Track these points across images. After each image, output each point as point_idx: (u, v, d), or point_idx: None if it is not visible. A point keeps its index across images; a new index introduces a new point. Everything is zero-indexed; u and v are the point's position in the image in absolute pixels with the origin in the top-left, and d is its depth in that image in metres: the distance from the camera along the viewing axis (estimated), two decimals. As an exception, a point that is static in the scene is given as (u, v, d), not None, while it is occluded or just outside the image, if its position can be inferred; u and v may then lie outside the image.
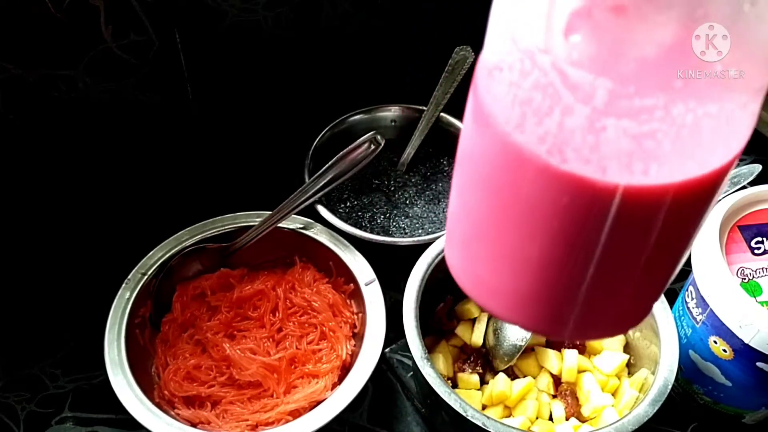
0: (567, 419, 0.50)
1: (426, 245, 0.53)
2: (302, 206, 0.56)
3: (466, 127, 0.25)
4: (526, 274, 0.25)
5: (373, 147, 0.57)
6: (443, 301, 0.55)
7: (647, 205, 0.22)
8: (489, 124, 0.23)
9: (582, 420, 0.50)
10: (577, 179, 0.21)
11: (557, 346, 0.53)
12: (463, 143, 0.26)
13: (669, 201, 0.22)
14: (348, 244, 0.57)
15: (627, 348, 0.53)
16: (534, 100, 0.21)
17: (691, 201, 0.23)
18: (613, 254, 0.23)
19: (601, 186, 0.21)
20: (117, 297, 0.53)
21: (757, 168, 0.50)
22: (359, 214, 0.64)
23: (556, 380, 0.52)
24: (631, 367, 0.52)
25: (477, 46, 0.68)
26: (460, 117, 0.68)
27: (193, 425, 0.48)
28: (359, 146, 0.57)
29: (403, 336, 0.47)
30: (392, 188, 0.66)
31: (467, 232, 0.27)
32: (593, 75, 0.20)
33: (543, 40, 0.21)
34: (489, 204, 0.25)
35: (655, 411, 0.44)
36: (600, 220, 0.22)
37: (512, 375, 0.52)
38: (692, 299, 0.49)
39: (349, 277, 0.56)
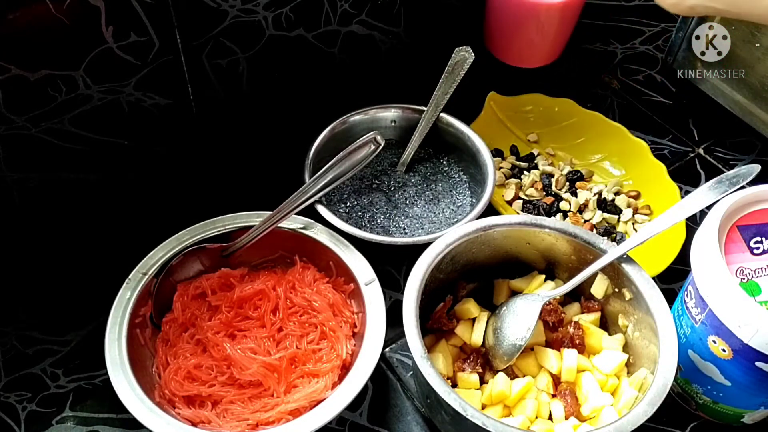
0: (566, 419, 0.50)
1: (426, 245, 0.53)
2: (302, 206, 0.56)
3: None
4: None
5: (373, 147, 0.57)
6: (443, 300, 0.56)
7: None
8: None
9: (581, 419, 0.50)
10: None
11: (557, 346, 0.53)
12: None
13: None
14: (348, 244, 0.57)
15: (626, 348, 0.53)
16: None
17: None
18: None
19: None
20: (118, 297, 0.53)
21: (756, 168, 0.50)
22: (359, 214, 0.64)
23: (556, 380, 0.52)
24: (630, 367, 0.52)
25: (477, 46, 0.68)
26: (460, 117, 0.68)
27: (194, 425, 0.48)
28: (359, 146, 0.57)
29: (403, 335, 0.48)
30: (392, 188, 0.66)
31: None
32: None
33: None
34: None
35: (654, 410, 0.44)
36: None
37: (512, 374, 0.53)
38: (691, 299, 0.49)
39: (349, 276, 0.56)
